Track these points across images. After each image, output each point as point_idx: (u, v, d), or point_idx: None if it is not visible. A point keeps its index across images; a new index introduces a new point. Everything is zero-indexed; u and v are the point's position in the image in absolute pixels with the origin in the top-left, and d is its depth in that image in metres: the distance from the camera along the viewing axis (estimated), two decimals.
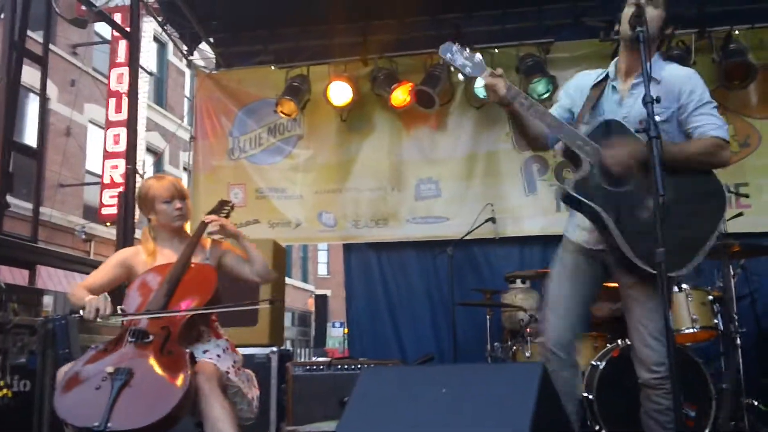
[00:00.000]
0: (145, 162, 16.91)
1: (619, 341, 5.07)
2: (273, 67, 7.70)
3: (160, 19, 7.63)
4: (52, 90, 15.77)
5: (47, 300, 15.47)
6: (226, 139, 7.81)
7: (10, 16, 6.29)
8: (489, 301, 6.25)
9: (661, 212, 2.78)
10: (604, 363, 4.94)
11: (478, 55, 3.30)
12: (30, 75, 9.44)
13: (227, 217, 3.87)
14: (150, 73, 18.12)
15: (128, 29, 7.52)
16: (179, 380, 2.95)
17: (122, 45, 14.34)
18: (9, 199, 6.23)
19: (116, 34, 12.92)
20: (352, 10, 7.01)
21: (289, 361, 5.68)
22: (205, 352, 3.34)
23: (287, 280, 15.51)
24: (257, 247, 3.77)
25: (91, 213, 16.53)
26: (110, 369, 2.93)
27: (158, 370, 3.01)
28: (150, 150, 19.11)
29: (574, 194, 3.15)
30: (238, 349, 3.62)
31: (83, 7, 6.86)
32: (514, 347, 5.79)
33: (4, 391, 4.29)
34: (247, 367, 3.62)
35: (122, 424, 2.75)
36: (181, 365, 3.02)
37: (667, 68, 3.33)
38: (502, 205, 7.05)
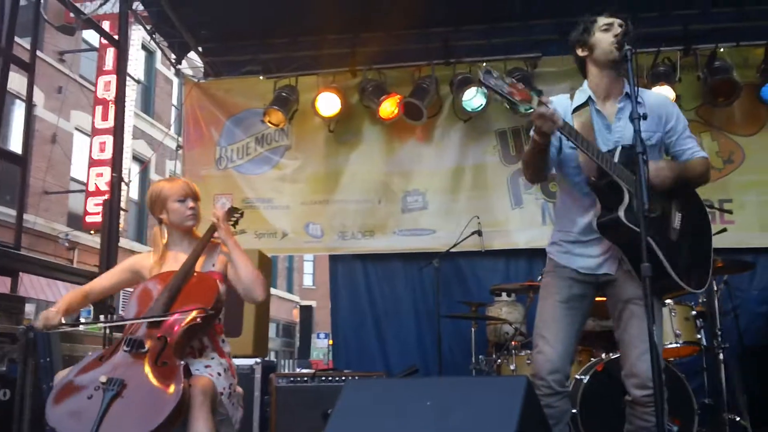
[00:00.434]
0: (130, 170, 16.85)
1: (603, 355, 5.08)
2: (261, 77, 7.70)
3: (148, 27, 7.62)
4: (38, 96, 15.71)
5: (29, 308, 15.35)
6: (214, 149, 7.80)
7: None
8: (474, 313, 6.26)
9: (646, 225, 2.82)
10: (588, 377, 4.94)
11: (518, 82, 3.01)
12: (16, 81, 9.40)
13: (236, 224, 3.83)
14: (138, 81, 18.08)
15: (117, 37, 7.51)
16: (171, 393, 2.91)
17: (110, 52, 14.36)
18: None
19: (104, 41, 12.91)
20: (341, 22, 7.02)
21: (273, 373, 5.64)
22: (207, 366, 3.29)
23: (272, 290, 15.49)
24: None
25: (76, 221, 16.44)
26: (103, 379, 2.90)
27: (151, 381, 2.97)
28: (136, 158, 19.05)
29: (631, 225, 3.07)
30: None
31: (72, 15, 6.85)
32: (499, 360, 5.80)
33: None
34: None
35: None
36: (174, 377, 2.96)
37: (646, 93, 3.40)
38: (488, 218, 7.06)
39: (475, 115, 7.13)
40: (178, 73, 8.24)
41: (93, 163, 14.88)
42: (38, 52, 7.18)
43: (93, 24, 7.62)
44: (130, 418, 2.82)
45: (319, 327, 35.49)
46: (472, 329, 6.24)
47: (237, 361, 5.41)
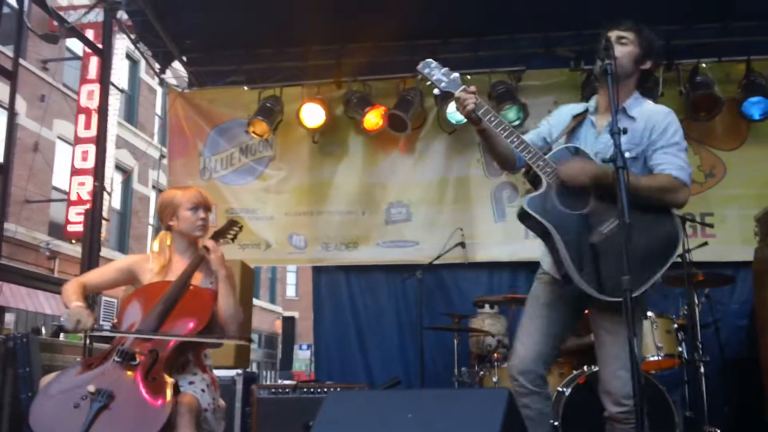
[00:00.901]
0: (113, 180, 16.76)
1: (585, 368, 5.09)
2: (246, 88, 7.70)
3: (133, 36, 7.60)
4: (21, 105, 15.61)
5: (9, 317, 15.25)
6: (198, 159, 7.77)
7: None
8: (457, 325, 6.25)
9: (628, 240, 2.81)
10: (569, 389, 4.95)
11: (456, 74, 3.37)
12: None
13: (234, 238, 3.82)
14: (121, 91, 18.00)
15: (100, 46, 7.48)
16: (159, 411, 2.88)
17: (93, 61, 14.29)
18: None
19: (88, 50, 12.85)
20: (326, 33, 7.03)
21: (255, 384, 5.62)
22: (191, 383, 3.26)
23: (255, 301, 15.43)
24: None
25: (57, 230, 16.33)
26: (92, 388, 2.86)
27: (140, 396, 2.94)
28: (119, 168, 18.95)
29: (529, 210, 3.19)
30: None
31: (55, 23, 6.82)
32: (482, 372, 5.79)
33: None
34: None
35: None
36: (164, 394, 2.94)
37: (645, 106, 3.39)
38: (471, 231, 7.07)
39: (459, 127, 7.16)
40: (162, 82, 8.22)
41: (75, 172, 14.80)
42: (21, 60, 7.15)
43: (77, 33, 7.58)
44: (115, 431, 2.79)
45: (301, 338, 35.40)
46: (455, 341, 6.23)
47: (218, 372, 5.38)
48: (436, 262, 6.66)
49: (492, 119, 3.27)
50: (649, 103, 3.45)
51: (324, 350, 7.66)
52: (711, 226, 6.59)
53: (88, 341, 5.18)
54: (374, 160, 7.54)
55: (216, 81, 7.91)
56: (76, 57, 16.54)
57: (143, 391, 2.95)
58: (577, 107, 3.55)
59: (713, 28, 6.82)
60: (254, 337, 30.32)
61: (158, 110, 21.77)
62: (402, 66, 7.20)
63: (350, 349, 7.44)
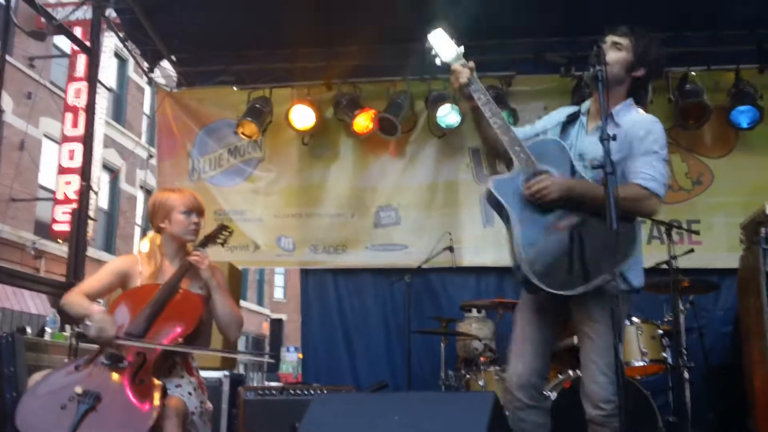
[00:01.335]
0: (100, 179, 16.69)
1: (571, 372, 5.11)
2: (235, 88, 7.68)
3: (121, 34, 7.57)
4: (7, 102, 15.52)
5: None
6: (187, 160, 7.74)
7: None
8: (444, 329, 6.26)
9: (616, 244, 2.84)
10: (555, 394, 4.97)
11: (461, 48, 3.43)
12: None
13: (224, 243, 3.81)
14: (109, 89, 17.93)
15: (88, 44, 7.45)
16: (146, 414, 2.88)
17: (81, 59, 14.22)
18: None
19: (75, 48, 12.79)
20: (316, 35, 7.02)
21: (241, 386, 5.60)
22: (177, 386, 3.25)
23: (242, 303, 15.40)
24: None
25: (43, 229, 16.23)
26: (79, 390, 2.86)
27: (127, 399, 2.94)
28: (106, 167, 18.88)
29: (493, 190, 3.20)
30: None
31: (43, 20, 6.78)
32: (468, 376, 5.80)
33: None
34: None
35: None
36: (151, 397, 2.94)
37: (633, 114, 3.36)
38: (460, 235, 7.09)
39: (449, 131, 7.17)
40: (150, 81, 8.19)
41: (62, 170, 14.72)
42: (7, 57, 7.11)
43: (64, 30, 7.55)
44: None
45: (289, 340, 35.34)
46: (442, 345, 6.24)
47: (205, 374, 5.38)
48: (424, 266, 6.66)
49: (481, 97, 3.29)
50: (638, 112, 3.41)
51: (311, 352, 7.64)
52: (697, 233, 6.60)
53: (74, 341, 5.16)
54: (364, 163, 7.54)
55: (205, 81, 7.87)
56: (63, 54, 16.45)
57: (130, 393, 2.95)
58: (569, 109, 3.56)
59: (702, 36, 6.86)
60: (241, 339, 30.24)
61: (146, 109, 21.70)
62: (392, 69, 7.22)
63: (338, 352, 7.43)
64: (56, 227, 14.72)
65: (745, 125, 6.79)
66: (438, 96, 7.06)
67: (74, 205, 7.81)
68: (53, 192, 15.27)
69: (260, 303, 36.20)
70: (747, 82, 6.78)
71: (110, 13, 7.39)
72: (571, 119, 3.45)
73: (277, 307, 37.84)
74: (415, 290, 6.61)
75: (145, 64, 7.83)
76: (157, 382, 3.02)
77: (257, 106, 7.34)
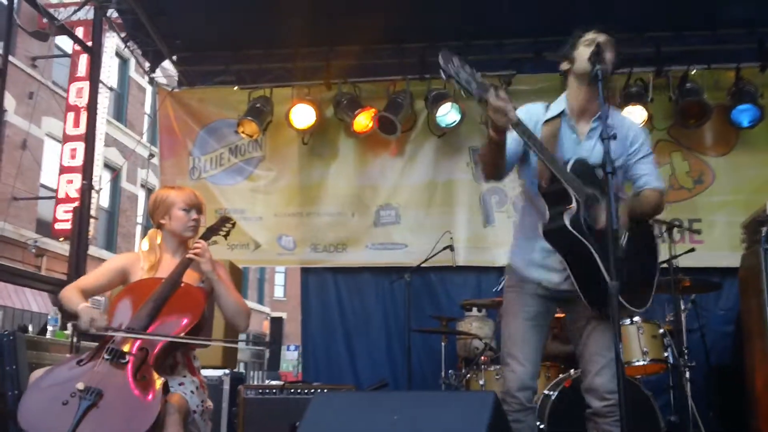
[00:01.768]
0: (101, 178, 16.69)
1: (572, 371, 5.11)
2: (236, 88, 7.68)
3: (123, 35, 7.58)
4: (9, 102, 15.52)
5: None
6: (188, 159, 7.75)
7: None
8: (445, 328, 6.26)
9: (615, 244, 2.86)
10: (556, 393, 4.97)
11: (479, 74, 2.94)
12: None
13: (227, 235, 3.83)
14: (110, 89, 17.92)
15: (90, 44, 7.45)
16: (148, 409, 2.88)
17: (83, 59, 14.23)
18: None
19: (77, 47, 12.81)
20: (316, 35, 7.02)
21: (242, 384, 5.61)
22: (180, 384, 3.25)
23: None
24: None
25: (45, 228, 16.24)
26: (81, 386, 2.86)
27: (129, 394, 2.93)
28: (108, 166, 18.87)
29: (573, 231, 3.10)
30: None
31: (45, 20, 6.79)
32: (468, 375, 5.81)
33: None
34: None
35: None
36: (152, 393, 2.94)
37: (618, 116, 3.47)
38: (460, 234, 7.09)
39: (448, 130, 7.17)
40: (151, 81, 8.20)
41: (63, 169, 14.74)
42: (10, 57, 7.12)
43: (66, 30, 7.57)
44: (104, 430, 2.79)
45: (289, 339, 35.31)
46: (442, 344, 6.25)
47: (206, 372, 5.39)
48: (424, 265, 6.65)
49: (525, 129, 3.05)
50: (618, 114, 3.55)
51: (311, 351, 7.64)
52: (698, 232, 6.61)
53: (75, 339, 5.16)
54: (364, 162, 7.54)
55: (206, 81, 7.88)
56: (65, 54, 16.46)
57: (132, 389, 2.94)
58: (540, 108, 3.46)
59: (703, 35, 6.85)
60: (242, 337, 30.21)
61: (147, 109, 21.69)
62: (392, 68, 7.22)
63: (338, 351, 7.44)
64: (58, 226, 14.73)
65: (745, 124, 6.78)
66: (438, 95, 7.07)
67: (76, 204, 7.80)
68: (55, 191, 15.27)
69: (261, 302, 36.18)
70: (747, 81, 6.77)
71: (112, 13, 7.39)
72: (551, 123, 3.37)
73: (277, 305, 37.81)
74: (415, 289, 6.62)
75: (147, 64, 7.84)
76: (158, 378, 3.02)
77: (258, 105, 7.34)
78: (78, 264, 6.67)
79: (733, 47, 6.84)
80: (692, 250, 5.89)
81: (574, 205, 3.12)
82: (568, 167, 3.17)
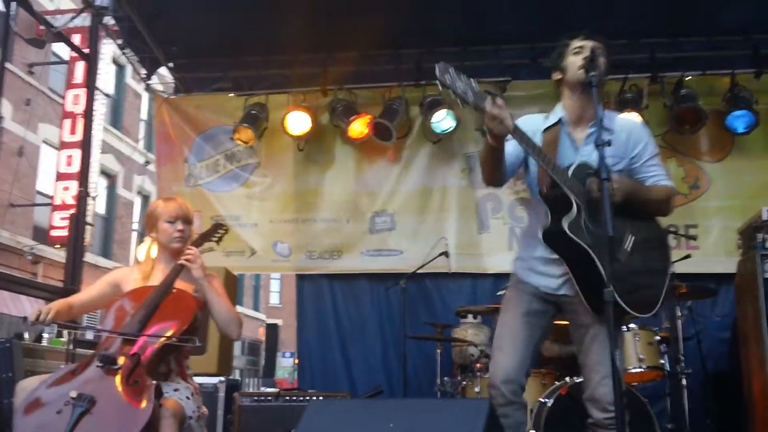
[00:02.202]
0: (98, 184, 16.70)
1: (567, 379, 5.10)
2: (232, 94, 7.69)
3: (119, 42, 7.57)
4: (6, 108, 15.54)
5: None
6: (184, 166, 7.75)
7: None
8: (440, 335, 6.25)
9: (611, 250, 2.86)
10: (552, 400, 4.95)
11: (476, 83, 2.96)
12: None
13: (219, 240, 3.87)
14: (107, 95, 17.94)
15: (87, 51, 7.45)
16: (140, 412, 2.88)
17: (80, 66, 14.25)
18: None
19: (74, 54, 12.80)
20: (312, 41, 7.03)
21: (237, 391, 5.60)
22: (175, 390, 3.26)
23: (238, 308, 15.38)
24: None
25: (41, 234, 16.24)
26: (73, 394, 2.87)
27: (121, 400, 2.95)
28: (104, 173, 18.88)
29: (571, 235, 3.11)
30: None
31: (42, 27, 6.79)
32: (464, 382, 5.79)
33: None
34: None
35: None
36: (145, 397, 2.94)
37: (617, 119, 3.42)
38: (455, 241, 7.09)
39: (444, 137, 7.18)
40: (148, 88, 8.20)
41: (60, 176, 14.74)
42: (7, 64, 7.10)
43: (63, 37, 7.55)
44: None
45: (284, 346, 35.32)
46: (438, 351, 6.23)
47: (201, 380, 5.38)
48: (419, 272, 6.65)
49: (523, 136, 3.06)
50: (620, 117, 3.51)
51: (307, 358, 7.63)
52: (694, 238, 6.62)
53: (71, 347, 5.16)
54: (359, 169, 7.54)
55: (202, 87, 7.89)
56: (62, 61, 16.47)
57: (124, 394, 2.96)
58: (539, 118, 3.48)
59: (697, 41, 6.87)
60: (237, 344, 30.21)
61: (144, 115, 21.70)
62: (387, 75, 7.23)
63: (333, 358, 7.42)
64: (54, 233, 14.74)
65: (741, 130, 6.80)
66: (433, 101, 7.07)
67: (72, 211, 7.79)
68: (51, 197, 15.28)
69: (256, 308, 36.17)
70: (743, 87, 6.79)
71: (108, 20, 7.39)
72: (550, 132, 3.38)
73: (272, 312, 37.81)
74: (410, 296, 6.61)
75: (143, 71, 7.84)
76: (150, 382, 3.03)
77: (253, 112, 7.34)
78: (74, 271, 6.66)
79: (728, 54, 6.86)
80: (688, 256, 5.89)
81: (574, 209, 3.13)
82: (570, 171, 3.18)
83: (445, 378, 6.15)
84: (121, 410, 2.91)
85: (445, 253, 6.66)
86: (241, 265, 7.54)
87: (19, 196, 16.00)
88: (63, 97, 15.15)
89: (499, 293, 5.93)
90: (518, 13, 6.58)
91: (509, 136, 3.03)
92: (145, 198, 21.43)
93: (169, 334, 3.27)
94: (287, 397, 5.47)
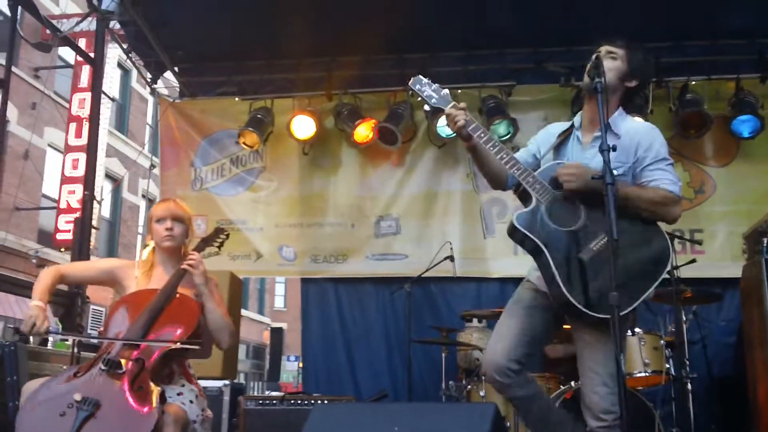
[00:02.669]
0: (103, 188, 16.71)
1: (573, 383, 5.09)
2: (237, 99, 7.70)
3: (125, 46, 7.60)
4: (12, 112, 15.57)
5: None
6: (190, 169, 7.77)
7: None
8: (445, 339, 6.24)
9: (615, 256, 2.83)
10: (557, 405, 4.95)
11: (446, 90, 3.40)
12: None
13: (221, 246, 3.88)
14: (112, 99, 17.97)
15: (92, 55, 7.47)
16: (145, 419, 2.88)
17: (85, 70, 14.29)
18: None
19: (80, 58, 12.84)
20: (317, 45, 7.05)
21: (242, 395, 5.60)
22: (179, 394, 3.26)
23: (243, 312, 15.40)
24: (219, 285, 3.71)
25: (46, 238, 16.25)
26: (78, 397, 2.86)
27: (125, 405, 2.93)
28: (109, 176, 18.90)
29: (518, 226, 3.20)
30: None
31: (48, 32, 6.80)
32: (469, 386, 5.78)
33: None
34: None
35: None
36: (149, 403, 2.94)
37: (629, 123, 3.41)
38: (460, 245, 7.08)
39: (449, 141, 7.18)
40: (153, 92, 8.22)
41: (65, 180, 14.77)
42: (13, 68, 7.14)
43: (69, 42, 7.58)
44: None
45: (289, 349, 35.25)
46: (443, 355, 6.22)
47: (205, 383, 5.38)
48: (424, 276, 6.65)
49: (482, 135, 3.29)
50: (633, 120, 3.50)
51: (312, 362, 7.63)
52: (700, 243, 6.60)
53: (76, 350, 5.16)
54: (364, 173, 7.55)
55: (207, 92, 7.91)
56: (67, 65, 16.51)
57: (129, 399, 2.95)
58: (564, 125, 3.56)
59: (702, 46, 6.88)
60: (242, 348, 30.19)
61: (149, 119, 21.73)
62: (392, 79, 7.23)
63: (338, 361, 7.42)
64: (59, 236, 14.75)
65: (746, 134, 6.80)
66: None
67: (77, 214, 7.81)
68: (57, 201, 15.30)
69: (261, 312, 36.16)
70: (748, 92, 6.79)
71: (114, 24, 7.41)
72: (563, 136, 3.46)
73: (277, 316, 37.77)
74: (415, 300, 6.61)
75: (149, 75, 7.86)
76: (155, 387, 3.03)
77: (258, 116, 7.37)
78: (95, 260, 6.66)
79: (733, 58, 6.86)
80: (693, 261, 5.89)
81: (533, 203, 3.22)
82: (541, 169, 3.32)
83: (450, 382, 6.14)
84: (125, 416, 2.90)
85: (450, 258, 6.65)
86: (248, 269, 7.56)
87: (24, 200, 16.02)
88: (69, 101, 15.17)
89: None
90: (522, 17, 6.59)
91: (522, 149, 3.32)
92: (150, 201, 21.42)
93: (173, 338, 3.27)
94: (292, 401, 5.46)
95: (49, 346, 6.66)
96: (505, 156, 3.25)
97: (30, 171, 16.00)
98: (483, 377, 3.35)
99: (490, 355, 3.32)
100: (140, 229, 20.80)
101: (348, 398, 6.05)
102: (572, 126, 3.46)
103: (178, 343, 3.27)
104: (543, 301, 3.37)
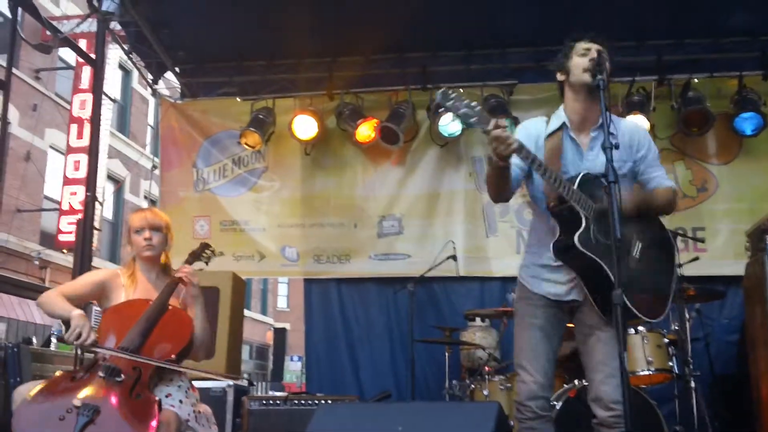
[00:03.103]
0: (105, 189, 16.73)
1: (576, 381, 5.09)
2: (238, 99, 7.70)
3: (126, 47, 7.60)
4: (13, 114, 15.59)
5: (0, 327, 15.18)
6: (191, 170, 7.76)
7: None
8: (448, 338, 6.24)
9: (618, 254, 2.85)
10: (560, 403, 4.94)
11: (478, 104, 3.02)
12: None
13: (208, 261, 3.89)
14: (113, 100, 17.99)
15: (93, 56, 7.47)
16: (144, 429, 2.90)
17: (86, 71, 14.33)
18: None
19: (80, 60, 12.85)
20: (318, 45, 7.05)
21: (245, 396, 5.60)
22: (167, 396, 3.27)
23: (246, 312, 15.39)
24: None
25: (48, 239, 16.29)
26: (77, 402, 2.87)
27: (125, 413, 2.96)
28: (111, 178, 18.93)
29: (581, 248, 3.12)
30: (194, 382, 3.59)
31: (49, 33, 6.80)
32: (472, 385, 5.78)
33: None
34: (203, 401, 3.56)
35: None
36: (147, 412, 2.97)
37: (619, 121, 3.43)
38: (462, 245, 7.07)
39: (451, 140, 7.18)
40: (154, 93, 8.22)
41: (67, 181, 14.82)
42: (14, 69, 7.13)
43: (70, 43, 7.57)
44: None
45: (292, 350, 35.29)
46: (446, 354, 6.22)
47: (209, 384, 5.39)
48: (427, 275, 6.65)
49: (529, 155, 3.08)
50: (621, 120, 3.51)
51: (315, 362, 7.63)
52: (702, 240, 6.60)
53: (79, 352, 5.16)
54: (366, 173, 7.54)
55: (208, 92, 7.90)
56: (68, 67, 16.54)
57: (128, 409, 2.98)
58: (540, 123, 3.49)
59: (705, 43, 6.87)
60: (245, 348, 30.21)
61: (150, 120, 21.76)
62: (394, 79, 7.23)
63: (341, 361, 7.42)
64: (61, 237, 14.80)
65: (749, 132, 6.79)
66: (440, 105, 7.06)
67: (79, 216, 7.81)
68: (58, 203, 15.33)
69: (264, 312, 36.22)
70: (750, 89, 6.77)
71: (115, 25, 7.41)
72: (554, 137, 3.38)
73: (280, 316, 37.82)
74: (418, 299, 6.61)
75: (150, 76, 7.86)
76: (153, 397, 3.06)
77: (260, 116, 7.36)
78: (82, 276, 6.65)
79: (735, 56, 6.86)
80: (696, 259, 5.89)
81: (583, 223, 3.15)
82: (576, 183, 3.19)
83: (454, 381, 6.14)
84: (124, 424, 2.93)
85: (453, 257, 6.66)
86: (251, 269, 7.55)
87: (26, 202, 16.06)
88: (70, 103, 15.22)
89: (508, 295, 5.94)
90: (523, 16, 6.58)
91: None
92: (152, 203, 21.46)
93: (169, 350, 3.33)
94: (295, 401, 5.46)
95: (52, 347, 6.67)
96: (553, 175, 3.12)
97: (32, 173, 16.04)
98: (518, 409, 3.31)
99: (527, 391, 3.30)
100: None
101: (351, 398, 6.05)
102: (562, 126, 3.39)
103: (173, 358, 3.34)
104: (554, 314, 3.40)
